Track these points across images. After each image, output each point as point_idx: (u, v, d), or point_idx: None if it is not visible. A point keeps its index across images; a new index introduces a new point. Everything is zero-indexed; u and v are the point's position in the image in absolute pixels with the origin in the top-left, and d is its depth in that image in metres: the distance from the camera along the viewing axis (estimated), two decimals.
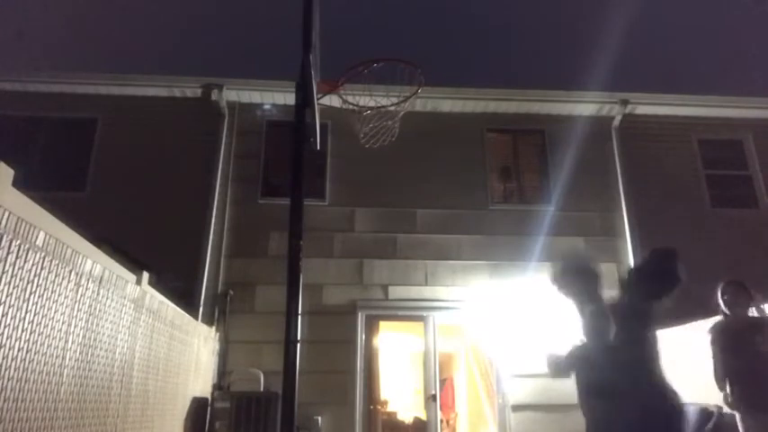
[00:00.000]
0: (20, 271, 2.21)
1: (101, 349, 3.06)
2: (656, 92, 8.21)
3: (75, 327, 2.73)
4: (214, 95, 7.63)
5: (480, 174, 7.86)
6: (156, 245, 6.36)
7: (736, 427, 4.80)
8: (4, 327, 2.10)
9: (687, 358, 6.17)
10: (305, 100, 3.25)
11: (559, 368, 3.07)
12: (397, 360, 9.43)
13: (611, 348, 2.91)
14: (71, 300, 2.68)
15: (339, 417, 6.57)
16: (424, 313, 7.15)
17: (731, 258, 7.23)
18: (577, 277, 3.22)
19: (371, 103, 4.46)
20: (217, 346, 6.63)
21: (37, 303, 2.35)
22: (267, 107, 7.95)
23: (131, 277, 3.69)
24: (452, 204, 7.64)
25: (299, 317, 2.85)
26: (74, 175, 7.38)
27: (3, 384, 2.09)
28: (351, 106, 4.45)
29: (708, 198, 7.87)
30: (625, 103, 7.99)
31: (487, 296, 7.19)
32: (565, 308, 7.33)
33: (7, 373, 2.12)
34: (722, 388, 3.92)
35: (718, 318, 4.20)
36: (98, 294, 3.01)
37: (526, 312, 7.13)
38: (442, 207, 7.61)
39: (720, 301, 4.09)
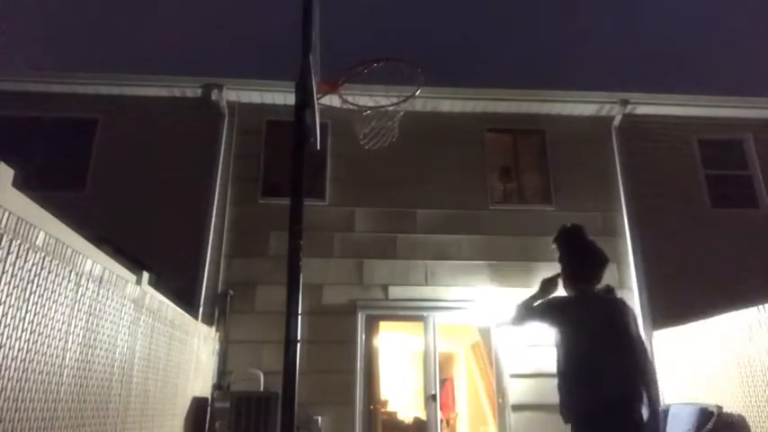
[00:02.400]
0: (20, 271, 2.21)
1: (101, 349, 3.07)
2: (656, 92, 8.21)
3: (75, 327, 2.73)
4: (214, 95, 7.63)
5: (480, 174, 7.86)
6: (156, 245, 6.36)
7: (736, 427, 4.82)
8: (4, 327, 2.11)
9: (688, 358, 6.18)
10: (305, 100, 3.25)
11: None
12: (397, 360, 9.43)
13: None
14: (71, 300, 2.68)
15: (339, 417, 6.57)
16: (424, 313, 7.14)
17: (731, 258, 7.23)
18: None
19: (371, 103, 4.46)
20: (217, 346, 6.63)
21: (37, 303, 2.36)
22: (267, 107, 7.94)
23: (131, 277, 3.70)
24: (452, 204, 7.63)
25: (299, 317, 2.85)
26: (74, 175, 7.37)
27: (3, 384, 2.09)
28: (351, 106, 4.45)
29: (708, 198, 7.86)
30: (625, 103, 7.98)
31: (487, 296, 7.19)
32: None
33: (7, 373, 2.12)
34: None
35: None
36: (98, 294, 3.01)
37: None
38: (442, 207, 7.61)
39: None
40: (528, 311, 2.93)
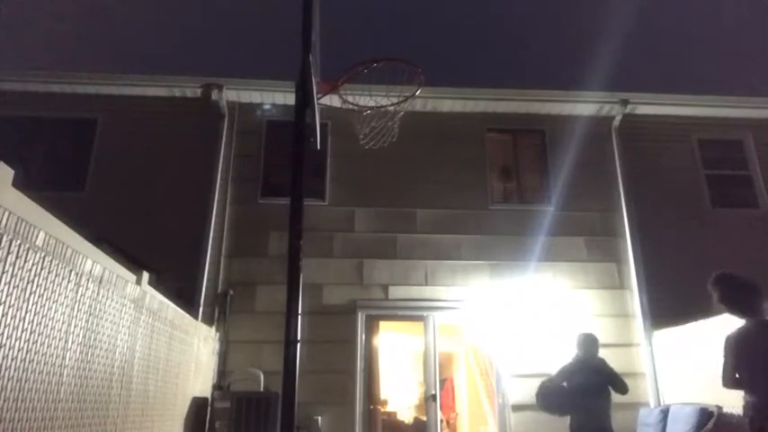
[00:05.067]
0: (20, 271, 2.21)
1: (101, 349, 3.07)
2: (656, 92, 8.21)
3: (75, 327, 2.73)
4: (214, 95, 7.63)
5: (480, 174, 7.86)
6: (156, 245, 6.36)
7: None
8: (4, 327, 2.11)
9: (688, 358, 6.18)
10: (305, 100, 3.25)
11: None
12: (397, 360, 9.43)
13: None
14: (71, 300, 2.68)
15: (339, 417, 6.57)
16: (424, 313, 7.15)
17: (731, 258, 7.22)
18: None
19: (371, 103, 4.46)
20: (217, 346, 6.63)
21: (37, 303, 2.36)
22: (267, 107, 7.94)
23: (131, 277, 3.69)
24: (452, 204, 7.63)
25: (299, 317, 2.85)
26: (74, 175, 7.37)
27: (3, 384, 2.09)
28: (351, 106, 4.45)
29: (708, 198, 7.86)
30: (625, 103, 7.98)
31: (487, 296, 7.19)
32: (562, 308, 7.30)
33: (7, 373, 2.12)
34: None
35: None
36: (98, 294, 3.01)
37: (526, 312, 7.14)
38: (442, 207, 7.61)
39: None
40: (726, 368, 3.35)
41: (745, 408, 3.23)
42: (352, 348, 6.87)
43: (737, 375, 3.26)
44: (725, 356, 3.34)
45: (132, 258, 4.11)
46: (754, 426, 3.16)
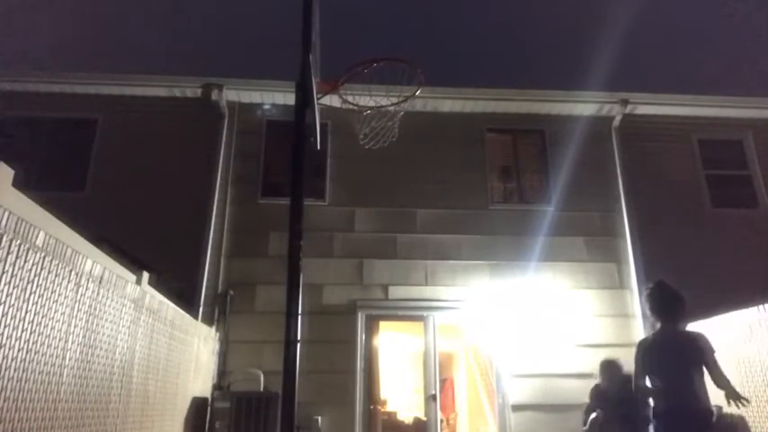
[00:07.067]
0: (20, 271, 2.21)
1: (101, 349, 3.07)
2: (656, 92, 8.20)
3: (75, 327, 2.73)
4: (214, 95, 7.63)
5: (480, 174, 7.86)
6: (156, 245, 6.35)
7: (736, 427, 4.82)
8: (4, 327, 2.11)
9: None
10: (305, 100, 3.25)
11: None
12: (397, 360, 9.43)
13: None
14: (71, 300, 2.68)
15: (339, 417, 6.57)
16: (424, 313, 7.15)
17: (731, 258, 7.23)
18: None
19: (371, 103, 4.47)
20: (217, 346, 6.63)
21: (37, 303, 2.36)
22: (267, 107, 7.94)
23: (131, 277, 3.70)
24: (452, 204, 7.63)
25: (299, 317, 2.86)
26: (74, 175, 7.37)
27: (3, 384, 2.09)
28: (351, 106, 4.46)
29: (708, 198, 7.86)
30: (625, 103, 7.98)
31: (487, 296, 7.19)
32: (562, 308, 7.32)
33: (7, 373, 2.12)
34: None
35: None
36: (98, 294, 3.01)
37: (526, 312, 7.14)
38: (442, 207, 7.61)
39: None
40: (636, 372, 3.72)
41: (654, 410, 3.44)
42: (352, 348, 6.87)
43: (649, 381, 3.52)
44: (635, 361, 3.63)
45: (132, 258, 4.12)
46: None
